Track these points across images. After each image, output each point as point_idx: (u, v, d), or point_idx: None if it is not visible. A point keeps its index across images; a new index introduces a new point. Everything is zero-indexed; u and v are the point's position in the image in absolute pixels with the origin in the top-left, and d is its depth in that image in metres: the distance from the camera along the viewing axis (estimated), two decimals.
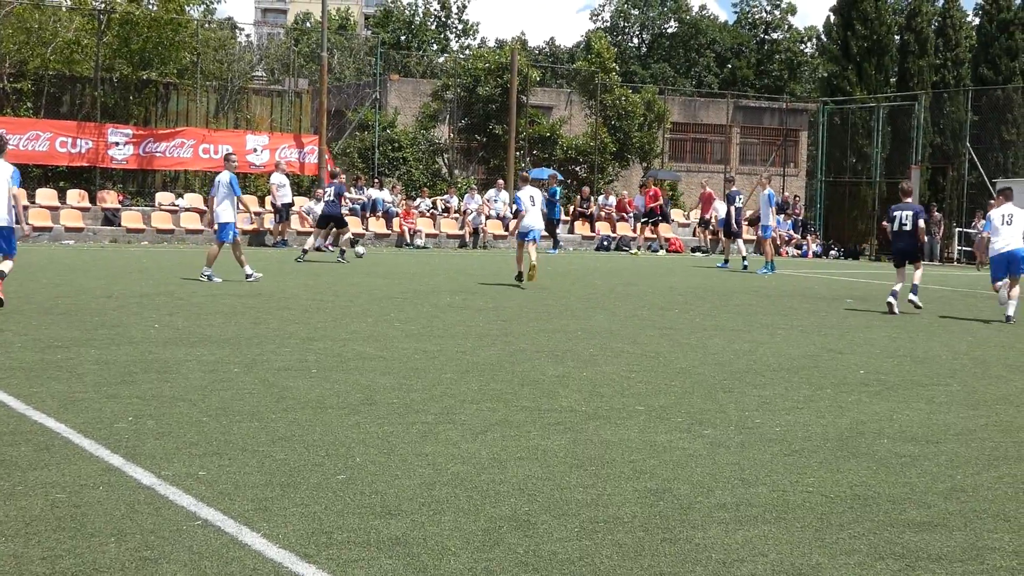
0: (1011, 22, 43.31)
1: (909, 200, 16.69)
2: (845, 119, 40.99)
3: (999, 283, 15.98)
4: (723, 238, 29.37)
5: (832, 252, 38.12)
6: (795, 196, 41.66)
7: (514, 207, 20.43)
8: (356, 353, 10.16)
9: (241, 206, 18.75)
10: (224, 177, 18.24)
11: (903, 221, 16.38)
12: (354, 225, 31.72)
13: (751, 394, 8.67)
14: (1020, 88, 41.07)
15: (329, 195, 24.59)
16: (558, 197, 32.40)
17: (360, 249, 26.82)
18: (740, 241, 27.01)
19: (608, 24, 71.34)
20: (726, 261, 26.92)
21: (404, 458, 6.23)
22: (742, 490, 5.76)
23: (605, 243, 34.62)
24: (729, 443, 6.87)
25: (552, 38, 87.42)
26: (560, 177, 35.09)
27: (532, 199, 18.61)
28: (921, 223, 16.36)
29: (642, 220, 34.16)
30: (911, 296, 16.41)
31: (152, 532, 4.81)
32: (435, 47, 62.81)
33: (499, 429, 7.05)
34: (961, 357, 11.38)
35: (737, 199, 27.15)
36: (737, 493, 5.70)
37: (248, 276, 17.55)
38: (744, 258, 26.30)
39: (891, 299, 16.01)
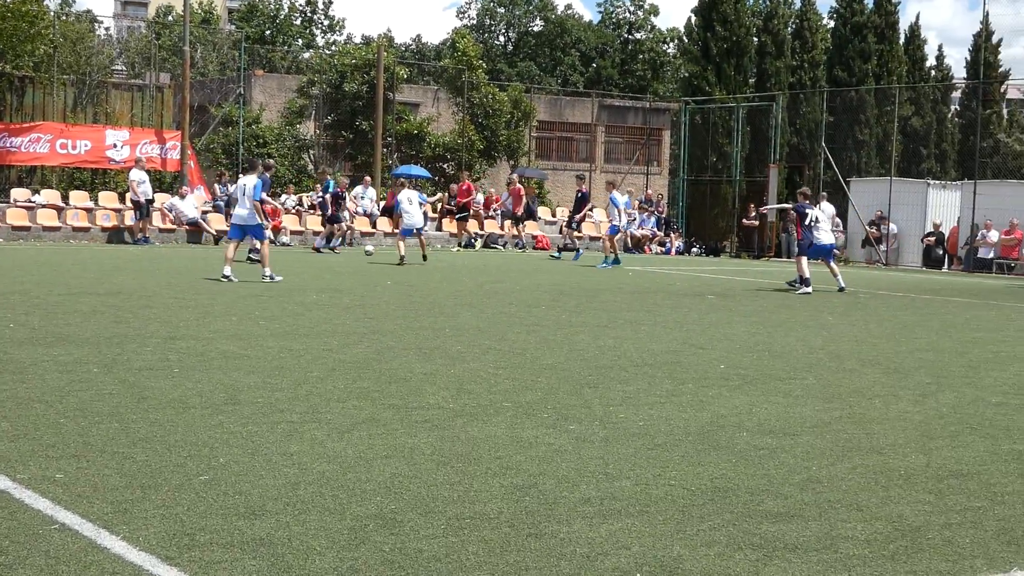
0: (864, 26, 44.62)
1: (818, 204, 21.10)
2: (706, 119, 41.79)
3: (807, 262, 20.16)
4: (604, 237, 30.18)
5: (694, 249, 38.85)
6: (659, 194, 42.32)
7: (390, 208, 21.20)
8: (220, 352, 10.01)
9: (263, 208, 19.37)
10: (251, 181, 18.84)
11: (814, 220, 20.41)
12: (217, 223, 31.28)
13: (615, 389, 8.79)
14: (873, 90, 42.38)
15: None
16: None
17: (369, 248, 27.76)
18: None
19: (475, 22, 71.49)
20: (608, 259, 27.29)
21: (269, 458, 6.16)
22: (606, 484, 5.85)
23: (472, 240, 34.69)
24: (594, 438, 6.96)
25: (419, 35, 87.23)
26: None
27: (410, 200, 20.45)
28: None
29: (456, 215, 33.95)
30: (800, 287, 19.83)
31: (6, 537, 4.67)
32: (300, 42, 62.10)
33: (365, 427, 7.03)
34: (817, 351, 11.71)
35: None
36: (601, 487, 5.78)
37: (225, 276, 17.78)
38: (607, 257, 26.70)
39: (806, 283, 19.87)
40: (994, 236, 31.87)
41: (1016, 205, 31.42)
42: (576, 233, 33.11)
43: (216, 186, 33.89)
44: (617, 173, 45.59)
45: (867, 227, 34.93)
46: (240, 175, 24.13)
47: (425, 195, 31.06)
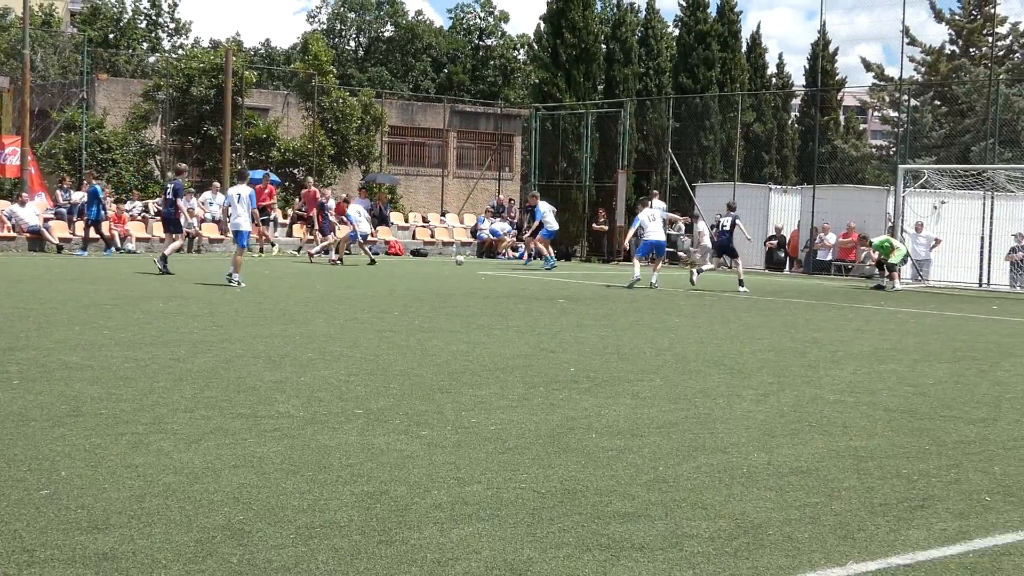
0: (707, 34, 45.62)
1: (733, 211, 24.03)
2: (556, 125, 42.19)
3: (640, 260, 23.90)
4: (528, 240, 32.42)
5: (526, 251, 39.13)
6: (510, 199, 42.61)
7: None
8: (61, 363, 9.74)
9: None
10: (244, 191, 20.38)
11: (724, 225, 23.81)
12: (59, 230, 30.37)
13: (467, 394, 8.83)
14: (717, 97, 43.37)
15: (168, 193, 23.43)
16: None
17: (460, 258, 29.55)
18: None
19: (325, 27, 70.87)
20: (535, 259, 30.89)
21: (113, 470, 6.03)
22: (457, 489, 5.88)
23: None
24: (446, 443, 6.99)
25: (268, 39, 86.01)
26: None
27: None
28: (740, 225, 23.84)
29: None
30: (740, 288, 22.59)
31: None
32: (146, 46, 60.69)
33: (213, 437, 6.92)
34: (664, 353, 11.95)
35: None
36: (453, 492, 5.81)
37: (231, 279, 19.21)
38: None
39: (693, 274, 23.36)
40: (832, 239, 32.93)
41: (853, 209, 32.52)
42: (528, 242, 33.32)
43: (58, 192, 32.91)
44: (470, 179, 45.77)
45: (712, 231, 35.72)
46: (173, 183, 23.84)
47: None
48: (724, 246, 24.16)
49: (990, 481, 6.47)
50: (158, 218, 32.86)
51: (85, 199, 30.16)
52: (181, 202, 23.35)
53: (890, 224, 29.61)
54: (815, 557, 4.93)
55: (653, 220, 23.46)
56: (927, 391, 9.84)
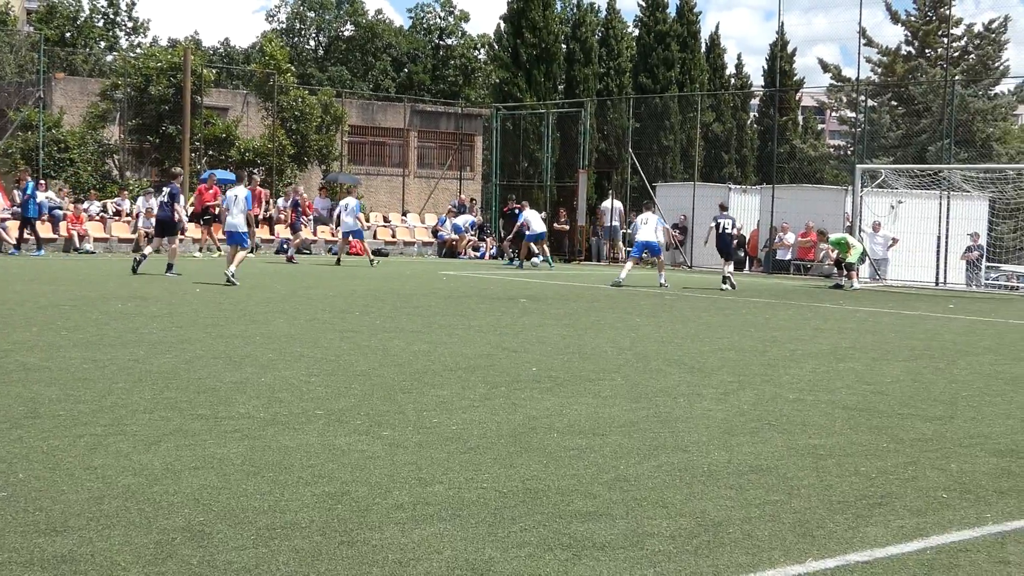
0: (667, 34, 45.83)
1: (726, 212, 25.60)
2: (517, 124, 42.24)
3: (634, 259, 25.05)
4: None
5: (507, 254, 39.17)
6: (471, 199, 42.59)
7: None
8: (18, 364, 9.65)
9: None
10: (242, 192, 21.23)
11: (725, 226, 25.02)
12: (16, 231, 30.08)
13: (429, 394, 8.82)
14: (676, 97, 43.55)
15: (163, 196, 23.03)
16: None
17: (536, 259, 30.93)
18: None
19: (284, 26, 70.57)
20: (511, 260, 32.74)
21: (71, 472, 5.98)
22: (419, 489, 5.87)
23: (285, 246, 34.26)
24: (407, 443, 6.98)
25: (227, 38, 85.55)
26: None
27: (346, 206, 23.65)
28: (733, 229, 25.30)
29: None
30: (723, 285, 23.85)
31: None
32: (103, 45, 60.17)
33: (173, 439, 6.88)
34: (625, 352, 11.99)
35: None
36: (414, 493, 5.80)
37: (230, 278, 19.75)
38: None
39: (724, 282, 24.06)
40: (791, 238, 33.15)
41: (811, 208, 32.75)
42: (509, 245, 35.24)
43: (16, 192, 32.57)
44: (431, 178, 45.72)
45: (671, 230, 35.85)
46: (170, 187, 23.52)
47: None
48: (728, 247, 25.29)
49: (947, 478, 6.54)
50: (115, 218, 32.75)
51: (50, 197, 30.00)
52: (179, 205, 23.17)
53: (848, 224, 29.85)
54: (775, 555, 4.96)
55: (646, 223, 24.74)
56: (885, 389, 9.92)
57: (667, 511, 5.61)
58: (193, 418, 7.55)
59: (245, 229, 21.21)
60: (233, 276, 19.86)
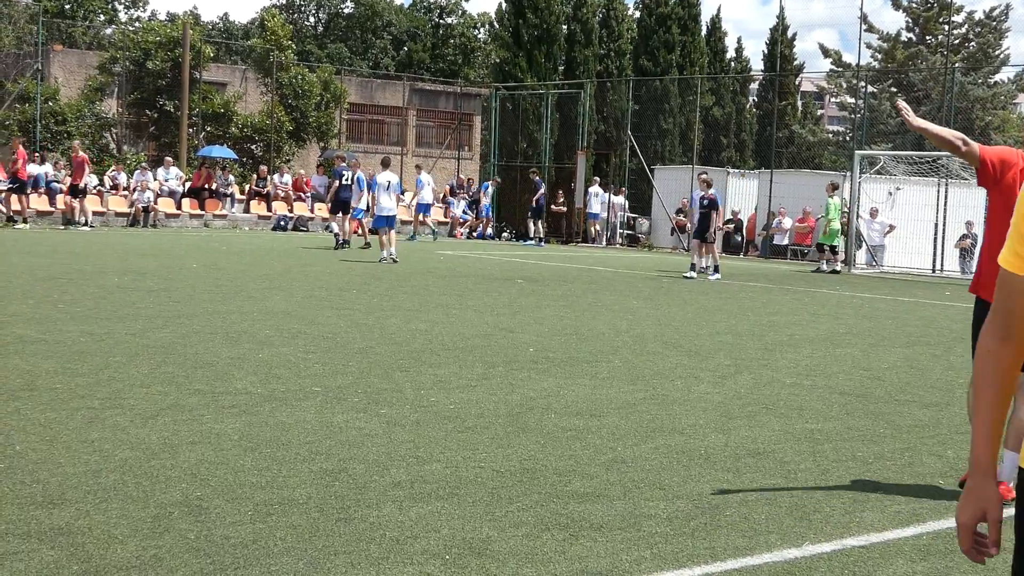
0: (668, 16, 45.62)
1: (707, 192, 23.33)
2: (516, 105, 42.11)
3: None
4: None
5: (504, 234, 39.15)
6: (468, 179, 42.52)
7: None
8: (16, 336, 9.63)
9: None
10: (394, 178, 23.07)
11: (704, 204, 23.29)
12: (13, 203, 29.97)
13: (427, 373, 8.82)
14: (676, 80, 43.44)
15: (346, 179, 25.36)
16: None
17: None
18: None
19: (284, 2, 70.31)
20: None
21: (68, 445, 5.97)
22: (416, 467, 5.87)
23: (282, 223, 34.22)
24: (405, 421, 6.98)
25: (226, 13, 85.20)
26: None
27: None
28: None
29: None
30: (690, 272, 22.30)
31: None
32: (102, 18, 59.91)
33: (170, 413, 6.88)
34: (622, 335, 11.99)
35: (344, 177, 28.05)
36: (412, 471, 5.80)
37: (383, 258, 21.31)
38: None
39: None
40: (788, 223, 33.12)
41: (809, 194, 32.66)
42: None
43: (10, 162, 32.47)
44: (429, 157, 45.62)
45: (672, 215, 35.84)
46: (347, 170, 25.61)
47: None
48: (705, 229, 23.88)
49: (943, 464, 6.55)
50: (112, 192, 32.65)
51: (47, 171, 29.86)
52: (356, 187, 25.43)
53: (845, 209, 29.81)
54: (771, 538, 4.97)
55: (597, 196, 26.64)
56: (882, 375, 9.93)
57: (664, 493, 5.61)
58: (190, 393, 7.54)
59: (361, 206, 24.80)
60: (393, 255, 21.35)
